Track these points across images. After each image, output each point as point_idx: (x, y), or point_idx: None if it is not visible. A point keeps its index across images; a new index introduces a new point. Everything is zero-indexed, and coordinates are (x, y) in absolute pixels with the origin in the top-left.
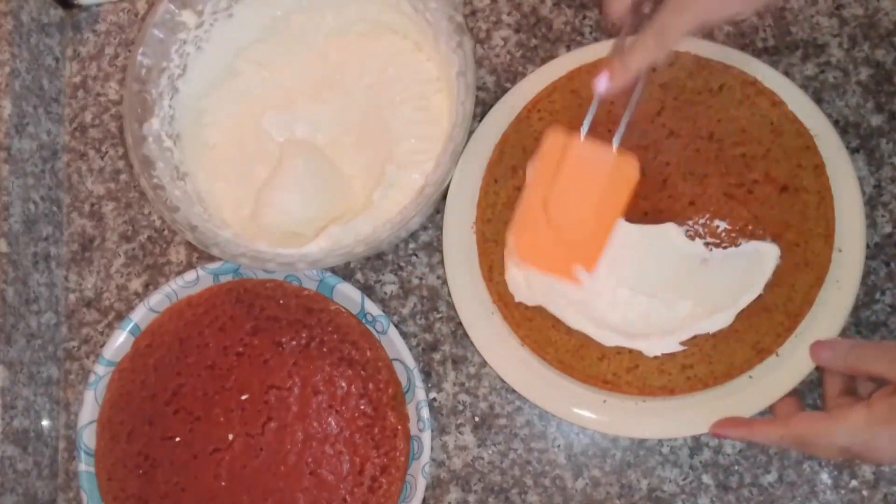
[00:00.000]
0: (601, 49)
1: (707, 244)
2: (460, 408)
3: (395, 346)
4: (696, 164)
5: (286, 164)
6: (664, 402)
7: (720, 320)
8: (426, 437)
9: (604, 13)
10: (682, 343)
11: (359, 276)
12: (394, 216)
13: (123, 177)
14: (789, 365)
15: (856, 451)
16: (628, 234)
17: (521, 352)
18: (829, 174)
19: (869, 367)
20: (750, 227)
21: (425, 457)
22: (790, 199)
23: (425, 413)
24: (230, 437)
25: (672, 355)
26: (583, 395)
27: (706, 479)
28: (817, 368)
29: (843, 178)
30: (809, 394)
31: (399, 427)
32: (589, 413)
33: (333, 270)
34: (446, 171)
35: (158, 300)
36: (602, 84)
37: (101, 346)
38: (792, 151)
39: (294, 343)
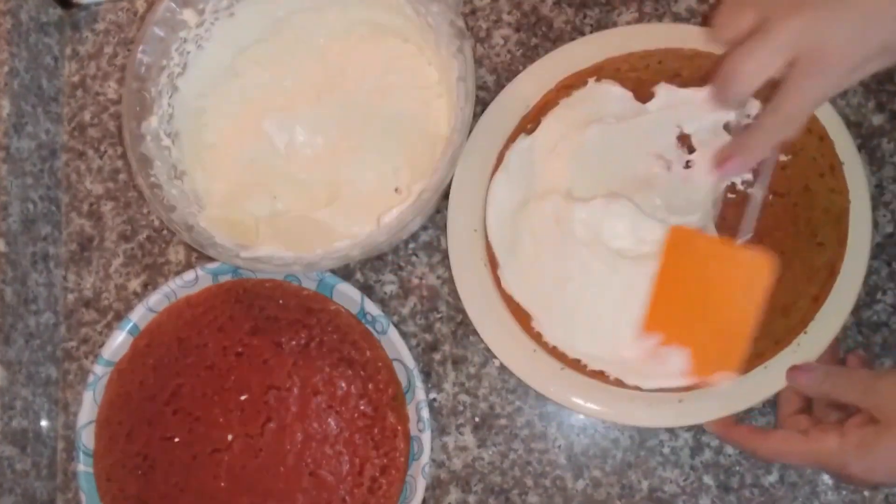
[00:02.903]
0: (596, 47)
1: None
2: (460, 408)
3: (395, 346)
4: None
5: None
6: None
7: None
8: (426, 437)
9: (712, 35)
10: None
11: (358, 275)
12: (392, 220)
13: (122, 176)
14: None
15: (829, 472)
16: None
17: (528, 344)
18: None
19: (841, 395)
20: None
21: (425, 457)
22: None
23: (425, 413)
24: (229, 437)
25: None
26: (589, 384)
27: (707, 479)
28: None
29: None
30: None
31: (399, 427)
32: (594, 405)
33: (333, 270)
34: (444, 175)
35: (157, 300)
36: (724, 170)
37: (100, 346)
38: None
39: (293, 343)
